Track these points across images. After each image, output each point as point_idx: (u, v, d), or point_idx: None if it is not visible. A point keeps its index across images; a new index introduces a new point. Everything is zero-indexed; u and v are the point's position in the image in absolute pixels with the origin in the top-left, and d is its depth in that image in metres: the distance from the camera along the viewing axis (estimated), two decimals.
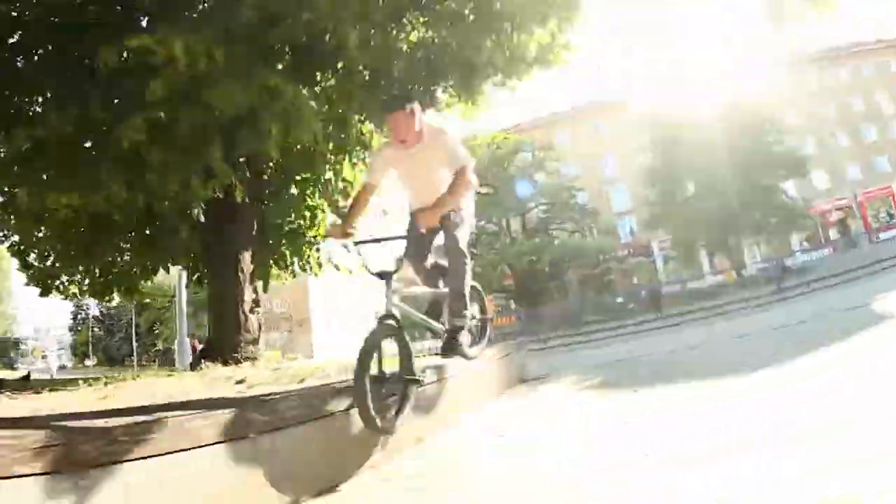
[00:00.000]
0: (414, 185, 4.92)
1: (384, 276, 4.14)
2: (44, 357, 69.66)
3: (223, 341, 9.00)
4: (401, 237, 4.77)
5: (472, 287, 5.11)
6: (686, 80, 42.47)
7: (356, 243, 4.59)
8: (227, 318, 9.06)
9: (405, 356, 4.10)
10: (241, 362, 8.28)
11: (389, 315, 4.03)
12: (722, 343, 8.85)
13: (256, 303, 9.56)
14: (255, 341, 9.10)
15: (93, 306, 74.01)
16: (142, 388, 5.65)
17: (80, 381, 6.48)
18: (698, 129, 39.11)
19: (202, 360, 8.46)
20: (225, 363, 7.95)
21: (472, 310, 5.14)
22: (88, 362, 68.29)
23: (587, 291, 51.56)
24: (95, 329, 76.05)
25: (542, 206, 51.55)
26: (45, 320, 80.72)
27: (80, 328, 78.69)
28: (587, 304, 42.46)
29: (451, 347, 4.74)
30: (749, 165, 38.75)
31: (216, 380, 6.08)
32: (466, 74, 8.44)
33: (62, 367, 65.76)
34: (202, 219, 8.07)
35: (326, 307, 58.77)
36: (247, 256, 9.29)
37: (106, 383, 6.04)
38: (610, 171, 59.90)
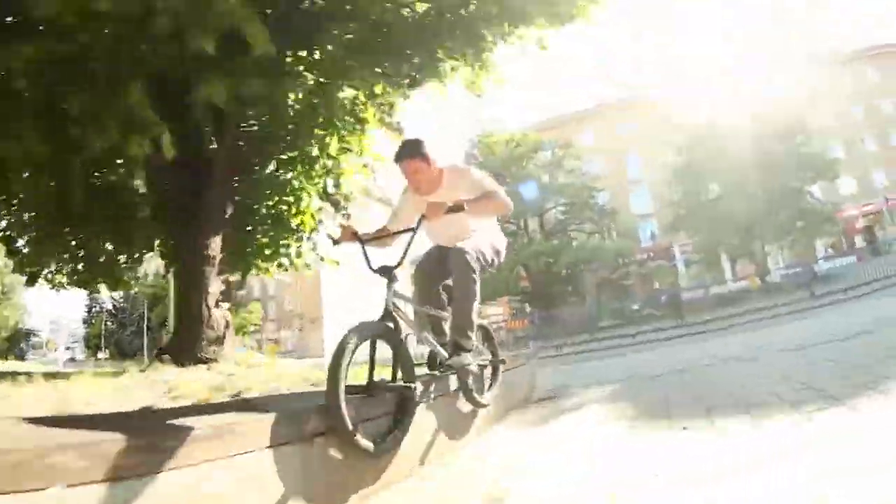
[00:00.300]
0: (439, 232, 4.54)
1: (385, 271, 3.80)
2: (57, 350, 70.44)
3: (183, 340, 7.86)
4: (408, 230, 4.20)
5: (482, 326, 4.83)
6: (712, 79, 41.85)
7: (363, 242, 4.23)
8: (189, 314, 7.89)
9: (399, 363, 3.66)
10: (201, 363, 7.11)
11: (387, 314, 3.68)
12: (771, 357, 7.28)
13: (227, 296, 8.37)
14: (220, 340, 7.87)
15: (107, 299, 74.75)
16: (58, 390, 4.66)
17: (20, 377, 5.48)
18: (724, 129, 38.21)
19: (156, 360, 7.34)
20: (181, 364, 6.79)
21: (482, 351, 4.80)
22: (101, 355, 68.93)
23: (605, 295, 50.62)
24: (108, 322, 76.74)
25: (561, 207, 50.48)
26: (61, 312, 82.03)
27: (93, 321, 79.49)
28: (604, 309, 41.20)
29: (454, 361, 4.10)
30: (776, 166, 37.61)
31: (155, 383, 5.10)
32: (470, 23, 7.14)
33: (72, 360, 66.15)
34: (143, 190, 6.79)
35: (340, 304, 58.08)
36: (215, 242, 8.05)
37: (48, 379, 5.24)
38: (632, 171, 58.97)
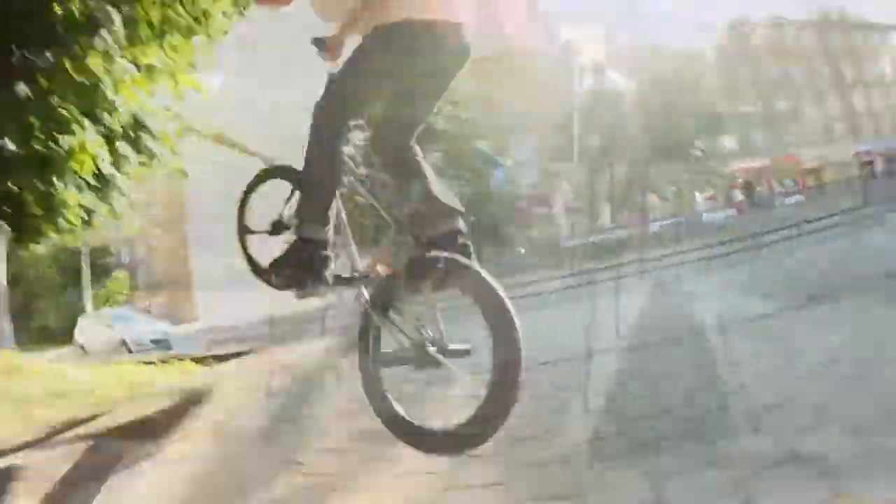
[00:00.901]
0: None
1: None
2: None
3: None
4: None
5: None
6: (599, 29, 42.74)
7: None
8: None
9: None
10: None
11: None
12: (741, 337, 5.00)
13: None
14: None
15: None
16: None
17: None
18: (610, 82, 38.72)
19: None
20: None
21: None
22: None
23: (484, 244, 50.04)
24: None
25: (437, 154, 48.61)
26: None
27: None
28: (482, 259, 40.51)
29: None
30: (661, 118, 37.87)
31: None
32: None
33: None
34: None
35: (211, 268, 53.94)
36: None
37: None
38: (512, 118, 58.04)
